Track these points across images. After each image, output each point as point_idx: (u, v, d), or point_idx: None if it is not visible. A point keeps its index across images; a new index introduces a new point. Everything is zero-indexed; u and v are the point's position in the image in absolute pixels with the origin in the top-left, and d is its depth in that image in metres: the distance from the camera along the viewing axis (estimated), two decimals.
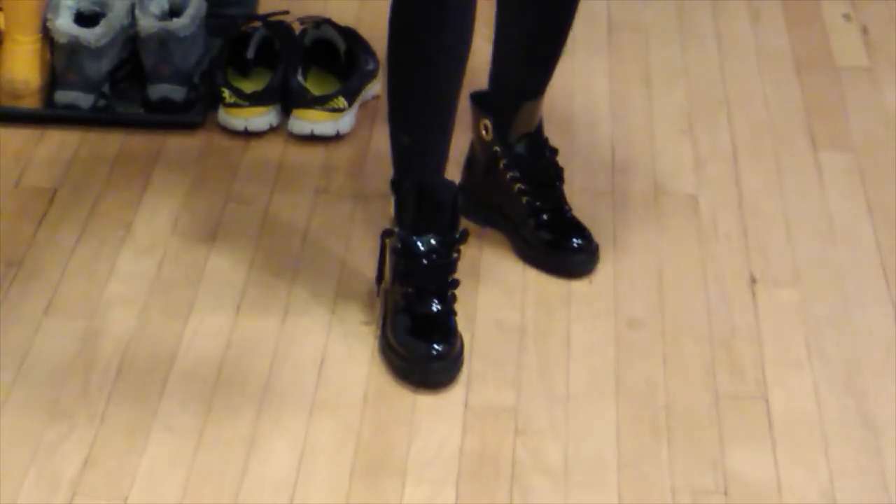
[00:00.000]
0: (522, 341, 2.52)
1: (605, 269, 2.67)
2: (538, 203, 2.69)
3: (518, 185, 2.70)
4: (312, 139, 3.02)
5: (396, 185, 2.52)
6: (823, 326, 2.57)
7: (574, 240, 2.65)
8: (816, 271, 2.75)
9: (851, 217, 2.90)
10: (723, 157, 3.07)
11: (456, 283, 2.50)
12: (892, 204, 2.94)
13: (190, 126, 3.05)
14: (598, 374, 2.47)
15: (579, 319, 2.55)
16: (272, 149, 3.01)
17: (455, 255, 2.51)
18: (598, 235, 2.69)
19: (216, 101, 3.03)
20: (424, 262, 2.47)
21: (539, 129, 2.74)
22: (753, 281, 2.65)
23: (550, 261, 2.68)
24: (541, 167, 2.73)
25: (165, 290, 2.63)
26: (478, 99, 2.73)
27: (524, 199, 2.69)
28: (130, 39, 3.05)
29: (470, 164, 2.80)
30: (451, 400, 2.39)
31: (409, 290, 2.48)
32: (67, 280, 2.62)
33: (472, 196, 2.74)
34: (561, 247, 2.67)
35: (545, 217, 2.68)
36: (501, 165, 2.71)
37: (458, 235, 2.52)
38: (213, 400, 2.37)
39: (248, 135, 3.01)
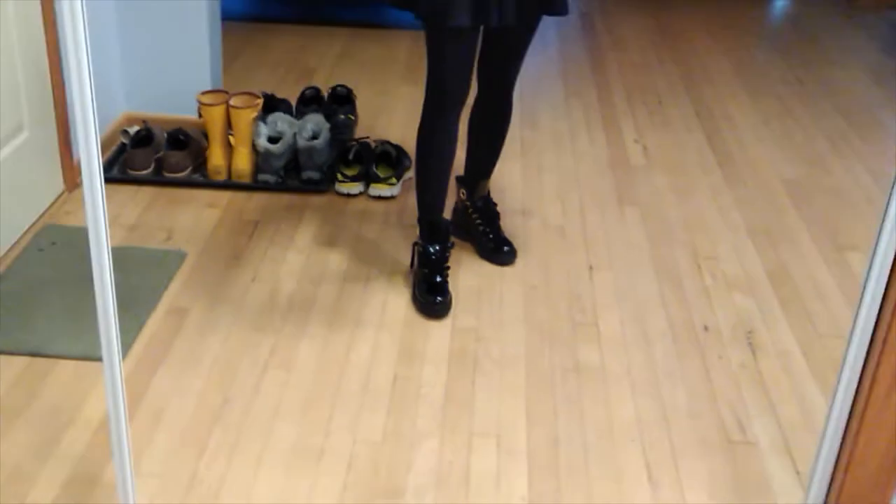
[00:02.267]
0: (479, 296, 2.86)
1: (519, 261, 3.02)
2: (488, 230, 3.04)
3: (478, 221, 3.04)
4: (380, 198, 3.36)
5: (420, 220, 2.86)
6: (622, 291, 2.94)
7: (505, 247, 3.00)
8: (624, 258, 3.06)
9: (636, 236, 3.20)
10: (575, 207, 3.37)
11: (448, 267, 2.82)
12: (667, 239, 3.23)
13: (322, 191, 3.37)
14: (517, 308, 2.80)
15: (506, 284, 2.91)
16: (361, 203, 3.34)
17: (448, 254, 2.82)
18: (517, 244, 3.05)
19: (334, 179, 3.37)
20: (433, 257, 2.79)
21: (488, 193, 3.09)
22: (591, 268, 3.02)
23: (494, 258, 3.01)
24: (489, 212, 3.07)
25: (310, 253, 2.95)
26: (459, 179, 3.08)
27: (481, 228, 3.04)
28: (294, 149, 3.35)
29: (455, 209, 3.10)
30: (445, 324, 2.73)
31: (426, 270, 2.79)
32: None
33: (456, 226, 3.02)
34: (499, 250, 3.00)
35: (491, 236, 3.02)
36: (470, 211, 3.06)
37: (449, 244, 2.84)
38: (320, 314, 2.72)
39: (349, 196, 3.36)
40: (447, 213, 2.95)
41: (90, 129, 1.49)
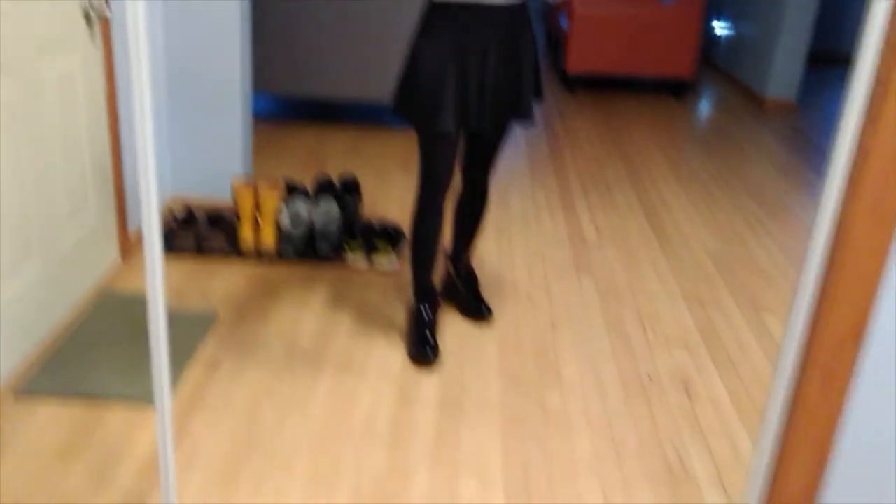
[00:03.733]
0: (462, 349, 2.82)
1: (495, 320, 3.01)
2: (469, 294, 3.03)
3: (461, 287, 3.04)
4: (381, 270, 3.33)
5: (413, 286, 2.85)
6: (580, 345, 2.88)
7: (483, 308, 2.99)
8: (581, 317, 3.03)
9: (591, 299, 3.18)
10: (540, 275, 3.36)
11: (437, 326, 2.81)
12: (616, 301, 3.20)
13: (333, 263, 3.35)
14: (493, 359, 2.77)
15: (485, 339, 2.88)
16: (365, 273, 3.31)
17: (436, 314, 2.84)
18: (492, 305, 3.06)
19: (343, 253, 3.35)
20: (424, 317, 2.78)
21: (470, 264, 3.09)
22: (553, 325, 2.99)
23: (474, 317, 3.00)
24: (470, 279, 3.07)
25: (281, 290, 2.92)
26: (445, 255, 3.08)
27: (463, 293, 3.04)
28: (310, 227, 3.34)
29: (442, 277, 3.09)
30: (434, 373, 2.69)
31: (418, 328, 2.76)
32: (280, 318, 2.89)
33: (443, 290, 3.06)
34: (479, 311, 2.99)
35: (472, 299, 3.01)
36: (454, 279, 3.06)
37: (437, 304, 2.86)
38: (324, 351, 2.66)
39: (355, 267, 3.34)
40: (436, 280, 2.94)
41: (153, 212, 1.48)
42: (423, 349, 2.73)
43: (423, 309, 2.82)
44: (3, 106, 2.33)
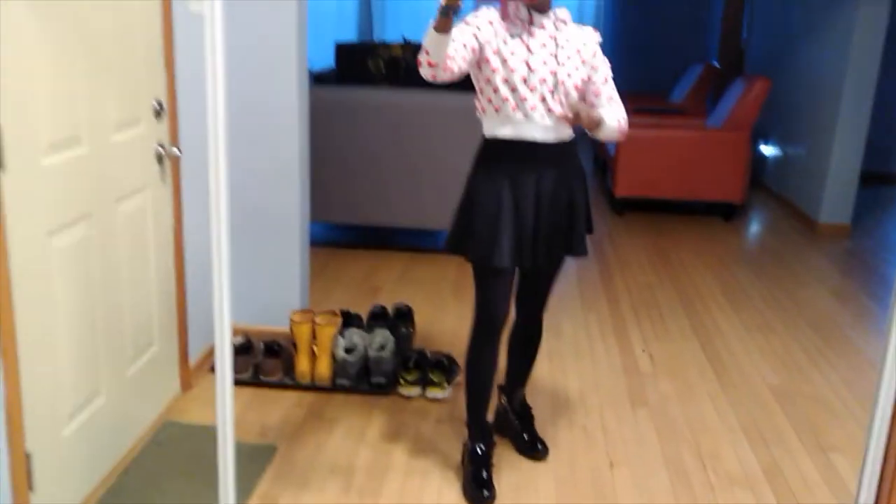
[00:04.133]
0: (518, 489, 2.75)
1: (550, 457, 2.94)
2: (524, 430, 2.97)
3: (516, 423, 2.98)
4: (435, 399, 3.32)
5: (468, 422, 2.78)
6: (639, 486, 2.81)
7: (538, 445, 2.92)
8: (639, 455, 2.94)
9: (648, 435, 3.09)
10: (595, 409, 3.29)
11: (493, 464, 2.76)
12: (674, 437, 3.12)
13: (388, 393, 3.34)
14: (550, 499, 2.69)
15: (541, 478, 2.80)
16: (419, 403, 3.29)
17: (492, 451, 2.78)
18: (547, 441, 2.98)
19: (397, 384, 3.33)
20: (480, 454, 2.73)
21: (524, 398, 3.04)
22: (611, 464, 2.91)
23: (530, 454, 2.93)
24: (525, 414, 3.01)
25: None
26: (500, 387, 3.05)
27: (518, 428, 2.98)
28: (365, 358, 3.35)
29: (497, 412, 3.04)
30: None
31: (474, 466, 2.71)
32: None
33: (497, 426, 3.02)
34: (534, 448, 2.92)
35: (526, 436, 2.95)
36: (509, 414, 3.01)
37: (492, 442, 2.81)
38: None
39: (408, 398, 3.32)
40: (490, 415, 2.90)
41: (226, 348, 1.49)
42: (478, 491, 2.67)
43: (478, 448, 2.77)
44: (82, 245, 2.40)
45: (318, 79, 5.56)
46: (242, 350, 3.43)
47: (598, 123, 2.43)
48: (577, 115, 2.38)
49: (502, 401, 3.04)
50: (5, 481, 2.08)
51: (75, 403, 2.44)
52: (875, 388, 1.53)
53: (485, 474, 2.71)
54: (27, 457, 2.17)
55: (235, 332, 3.67)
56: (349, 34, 8.92)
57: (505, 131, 2.48)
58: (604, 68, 2.54)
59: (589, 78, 2.53)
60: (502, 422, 3.04)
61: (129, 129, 2.66)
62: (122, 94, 2.59)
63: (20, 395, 2.12)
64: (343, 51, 6.10)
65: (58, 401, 2.33)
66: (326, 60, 6.81)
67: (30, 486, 2.20)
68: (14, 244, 2.06)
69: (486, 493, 2.67)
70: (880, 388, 1.52)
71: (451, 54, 2.27)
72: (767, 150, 7.33)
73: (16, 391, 2.09)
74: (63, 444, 2.37)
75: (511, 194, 2.48)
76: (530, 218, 2.51)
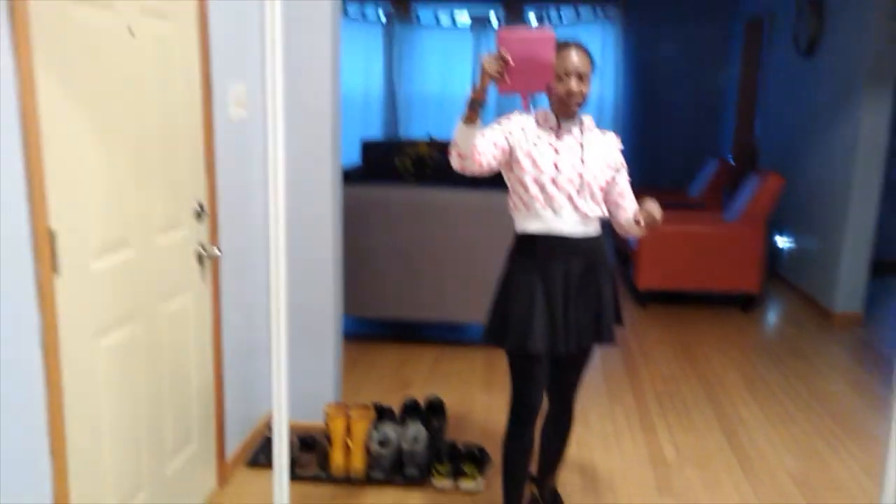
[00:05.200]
0: None
1: None
2: None
3: None
4: (468, 491, 3.30)
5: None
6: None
7: None
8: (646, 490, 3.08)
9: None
10: (624, 499, 3.23)
11: None
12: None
13: (421, 485, 3.33)
14: None
15: None
16: (452, 495, 3.27)
17: None
18: None
19: (431, 475, 3.33)
20: None
21: (555, 486, 3.09)
22: None
23: None
24: (556, 502, 3.06)
25: None
26: (531, 478, 3.03)
27: None
28: (398, 450, 3.36)
29: (528, 501, 3.03)
30: None
31: None
32: None
33: None
34: None
35: None
36: (541, 500, 3.03)
37: None
38: None
39: (441, 490, 3.31)
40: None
41: (284, 448, 1.51)
42: None
43: None
44: (127, 345, 2.45)
45: (346, 176, 5.65)
46: None
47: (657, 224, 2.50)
48: (649, 222, 2.46)
49: (534, 490, 3.04)
50: None
51: (118, 501, 2.45)
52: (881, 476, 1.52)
53: None
54: None
55: (269, 426, 3.67)
56: (374, 130, 9.03)
57: (535, 226, 2.58)
58: (624, 170, 2.65)
59: (613, 179, 2.62)
60: None
61: (172, 230, 2.72)
62: (167, 197, 2.66)
63: (68, 495, 2.13)
64: (370, 148, 6.19)
65: (103, 497, 2.34)
66: (352, 156, 6.84)
67: None
68: (64, 345, 2.09)
69: None
70: (883, 481, 1.51)
71: (480, 150, 2.42)
72: (782, 241, 7.36)
73: (64, 492, 2.11)
74: None
75: (542, 285, 2.55)
76: (560, 306, 2.57)
